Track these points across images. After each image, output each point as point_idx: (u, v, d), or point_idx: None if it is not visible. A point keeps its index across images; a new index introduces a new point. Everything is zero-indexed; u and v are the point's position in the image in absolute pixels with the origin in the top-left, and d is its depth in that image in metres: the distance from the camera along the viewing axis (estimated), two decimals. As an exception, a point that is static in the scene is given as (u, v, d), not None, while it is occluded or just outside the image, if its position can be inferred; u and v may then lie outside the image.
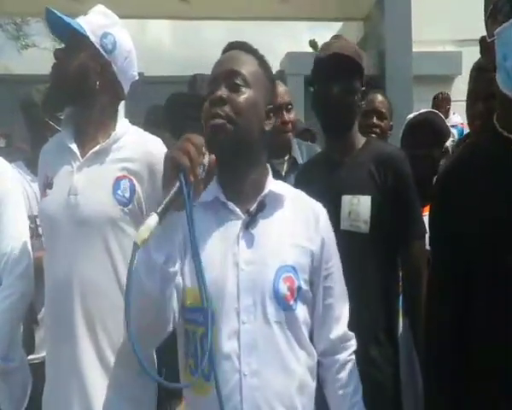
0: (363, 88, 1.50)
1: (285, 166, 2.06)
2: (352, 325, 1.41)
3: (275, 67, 5.87)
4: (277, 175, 2.07)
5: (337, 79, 1.44)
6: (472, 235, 1.06)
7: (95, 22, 1.35)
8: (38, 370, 1.46)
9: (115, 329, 1.29)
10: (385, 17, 5.19)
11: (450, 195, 1.11)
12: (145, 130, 2.51)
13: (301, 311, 1.07)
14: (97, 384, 1.27)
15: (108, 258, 1.30)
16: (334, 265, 1.16)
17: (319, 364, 1.15)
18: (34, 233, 1.92)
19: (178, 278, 1.01)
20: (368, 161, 1.47)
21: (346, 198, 1.44)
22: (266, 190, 1.08)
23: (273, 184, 1.11)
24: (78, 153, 1.33)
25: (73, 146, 1.34)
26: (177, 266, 0.99)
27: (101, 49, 1.34)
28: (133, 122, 1.49)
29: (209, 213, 1.06)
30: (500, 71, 1.00)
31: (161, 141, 1.43)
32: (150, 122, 2.73)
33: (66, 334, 1.28)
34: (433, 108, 3.83)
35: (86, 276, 1.28)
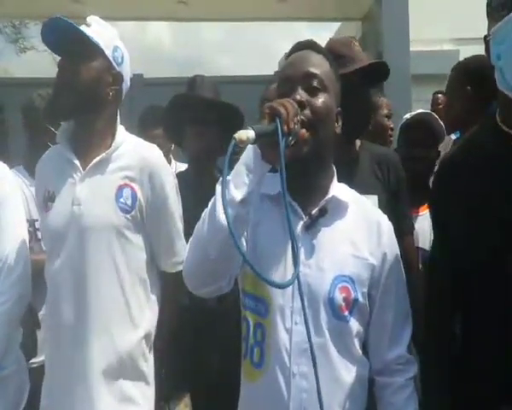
0: None
1: None
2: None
3: (273, 67, 5.87)
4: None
5: (374, 86, 1.52)
6: (472, 235, 1.06)
7: (103, 34, 1.37)
8: (39, 373, 1.46)
9: (118, 334, 1.32)
10: (383, 17, 5.20)
11: (450, 195, 1.11)
12: (141, 130, 2.51)
13: (355, 323, 1.06)
14: (101, 390, 1.29)
15: (112, 264, 1.33)
16: (396, 281, 1.13)
17: (374, 382, 1.13)
18: (33, 237, 1.93)
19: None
20: (370, 162, 1.53)
21: None
22: (330, 195, 1.07)
23: (337, 189, 1.09)
24: (79, 164, 1.35)
25: (74, 158, 1.36)
26: (251, 215, 0.98)
27: (113, 62, 1.37)
28: (133, 124, 1.51)
29: (273, 206, 1.05)
30: (496, 70, 1.01)
31: (156, 146, 1.46)
32: (147, 122, 2.72)
33: (71, 341, 1.31)
34: (432, 106, 3.84)
35: (91, 283, 1.30)
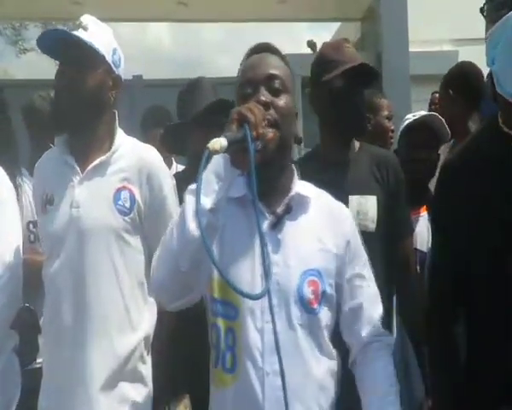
0: None
1: None
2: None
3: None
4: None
5: (363, 86, 1.50)
6: (472, 236, 1.07)
7: (102, 37, 1.36)
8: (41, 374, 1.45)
9: (117, 336, 1.32)
10: (382, 17, 5.21)
11: (451, 197, 1.13)
12: (143, 130, 2.50)
13: (324, 315, 1.08)
14: (99, 392, 1.30)
15: (111, 267, 1.34)
16: (362, 265, 1.15)
17: (354, 363, 1.14)
18: (36, 237, 1.92)
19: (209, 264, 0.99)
20: (369, 163, 1.54)
21: (353, 198, 1.48)
22: (293, 192, 1.09)
23: (299, 186, 1.11)
24: (78, 168, 1.35)
25: (72, 162, 1.36)
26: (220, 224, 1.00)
27: (112, 66, 1.37)
28: (133, 125, 1.51)
29: (238, 208, 1.07)
30: (492, 73, 1.01)
31: (155, 148, 1.46)
32: (148, 122, 2.72)
33: (70, 343, 1.31)
34: (430, 106, 3.83)
35: (90, 285, 1.31)
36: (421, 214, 1.91)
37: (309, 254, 1.08)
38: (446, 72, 2.26)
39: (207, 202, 0.94)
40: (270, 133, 0.98)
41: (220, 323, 1.07)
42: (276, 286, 1.04)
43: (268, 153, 0.98)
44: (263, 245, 0.94)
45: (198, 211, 0.87)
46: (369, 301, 1.16)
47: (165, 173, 1.45)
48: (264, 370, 1.01)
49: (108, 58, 1.37)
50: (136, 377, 1.35)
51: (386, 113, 2.35)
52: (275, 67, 1.09)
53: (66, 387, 1.32)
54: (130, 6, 5.33)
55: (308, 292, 1.05)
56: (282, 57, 1.14)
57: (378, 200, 1.48)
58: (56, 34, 1.33)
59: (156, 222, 1.41)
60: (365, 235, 1.45)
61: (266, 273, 0.94)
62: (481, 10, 1.05)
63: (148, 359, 1.41)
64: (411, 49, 5.14)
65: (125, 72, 1.46)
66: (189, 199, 0.96)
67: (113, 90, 1.39)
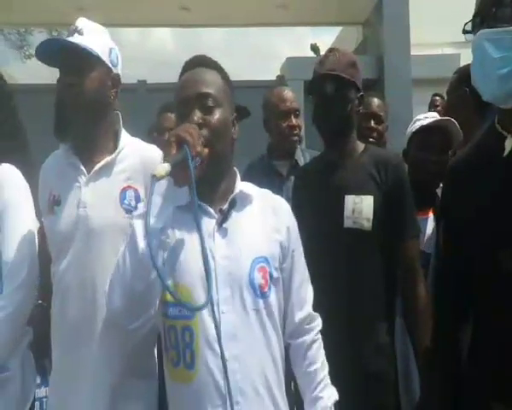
0: (360, 93, 1.56)
1: (287, 169, 2.10)
2: (352, 321, 1.44)
3: (275, 72, 5.91)
4: (279, 177, 2.09)
5: (332, 95, 1.51)
6: (472, 235, 1.09)
7: (97, 40, 1.38)
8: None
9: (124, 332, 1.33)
10: (383, 21, 5.24)
11: (454, 197, 1.15)
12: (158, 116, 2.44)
13: (274, 297, 1.14)
14: (107, 387, 1.31)
15: None
16: (298, 249, 1.22)
17: (288, 346, 1.21)
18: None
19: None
20: (368, 165, 1.54)
21: (349, 198, 1.50)
22: (237, 190, 1.15)
23: (242, 185, 1.18)
24: (84, 169, 1.38)
25: (78, 162, 1.38)
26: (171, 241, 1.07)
27: (110, 65, 1.39)
28: (137, 129, 1.53)
29: (185, 215, 1.11)
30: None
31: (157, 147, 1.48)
32: (162, 109, 2.63)
33: (79, 341, 1.32)
34: (429, 108, 3.84)
35: (98, 283, 1.32)
36: (429, 216, 1.88)
37: (256, 243, 1.14)
38: (448, 74, 2.24)
39: (157, 222, 1.02)
40: (206, 150, 1.06)
41: (176, 324, 1.11)
42: (229, 277, 1.09)
43: (205, 167, 1.06)
44: (204, 249, 1.03)
45: (148, 233, 0.96)
46: (303, 283, 1.23)
47: None
48: (223, 357, 1.06)
49: (105, 58, 1.38)
50: (143, 371, 1.37)
51: (364, 111, 2.23)
52: (207, 84, 1.12)
53: (75, 383, 1.33)
54: (133, 12, 5.39)
55: (259, 278, 1.11)
56: (217, 68, 1.18)
57: (375, 200, 1.49)
58: (52, 43, 1.36)
59: None
60: (360, 233, 1.47)
61: (208, 273, 1.02)
62: (465, 30, 1.09)
63: (155, 352, 1.42)
64: (413, 52, 5.16)
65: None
66: (138, 222, 1.03)
67: (113, 89, 1.41)
